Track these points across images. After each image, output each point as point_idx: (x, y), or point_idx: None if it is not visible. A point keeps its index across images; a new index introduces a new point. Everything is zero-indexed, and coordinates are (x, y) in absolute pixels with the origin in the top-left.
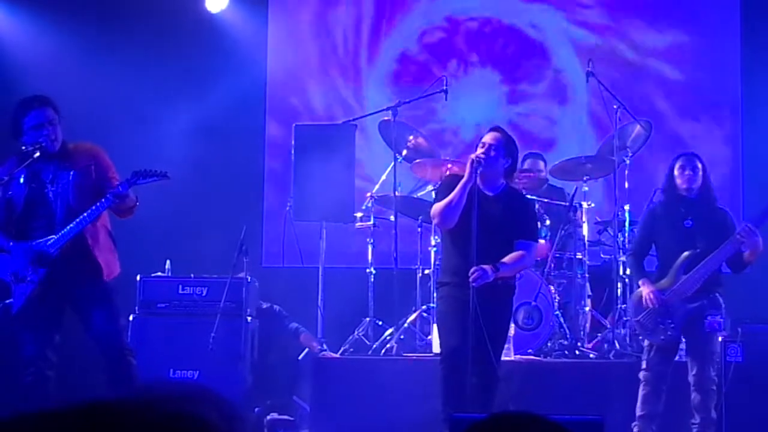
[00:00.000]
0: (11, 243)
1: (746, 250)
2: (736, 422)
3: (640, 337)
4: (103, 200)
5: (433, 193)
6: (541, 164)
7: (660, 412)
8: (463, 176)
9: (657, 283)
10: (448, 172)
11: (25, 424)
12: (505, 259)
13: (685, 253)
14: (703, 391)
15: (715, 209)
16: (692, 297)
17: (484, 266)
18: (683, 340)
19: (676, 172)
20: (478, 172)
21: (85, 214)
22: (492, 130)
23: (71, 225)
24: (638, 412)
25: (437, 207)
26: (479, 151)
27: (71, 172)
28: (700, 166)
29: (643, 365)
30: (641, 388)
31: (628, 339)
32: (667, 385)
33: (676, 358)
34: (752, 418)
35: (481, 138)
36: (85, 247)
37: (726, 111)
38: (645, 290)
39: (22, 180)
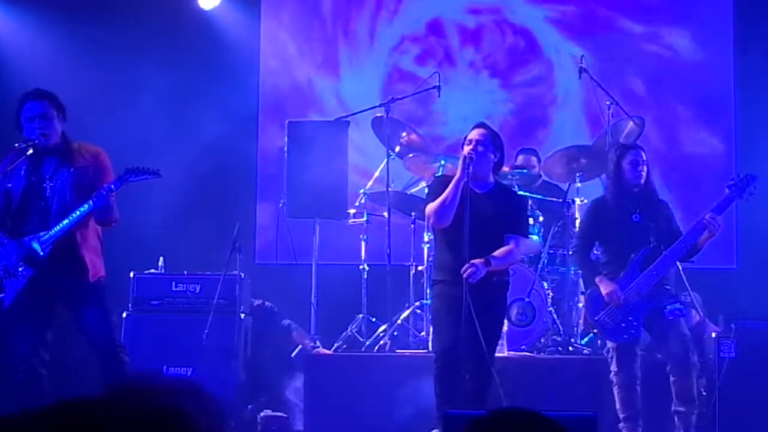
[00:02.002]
0: (5, 238)
1: (707, 233)
2: (730, 416)
3: (596, 337)
4: (93, 198)
5: (426, 190)
6: (534, 160)
7: (641, 408)
8: (453, 176)
9: (612, 280)
10: (440, 170)
11: (10, 424)
12: (496, 253)
13: (634, 253)
14: (687, 377)
15: (658, 202)
16: (650, 294)
17: (475, 261)
18: (649, 338)
19: (626, 167)
20: (470, 168)
21: (76, 213)
22: (477, 126)
23: (63, 222)
24: (621, 414)
25: (431, 207)
26: (467, 147)
27: (71, 170)
28: (645, 158)
29: (613, 368)
30: (616, 390)
31: None
32: (639, 380)
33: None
34: (746, 413)
35: (466, 135)
36: (74, 245)
37: (720, 108)
38: (606, 289)
39: (23, 172)
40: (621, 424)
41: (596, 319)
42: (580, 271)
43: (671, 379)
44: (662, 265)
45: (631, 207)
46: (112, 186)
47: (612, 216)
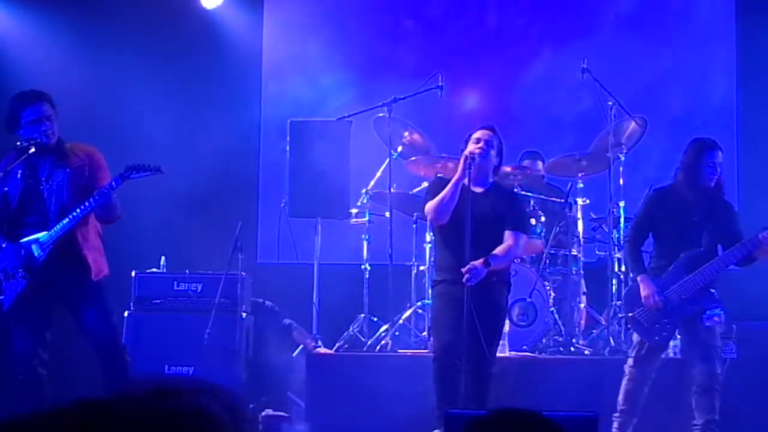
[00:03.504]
0: (3, 242)
1: (764, 249)
2: (730, 417)
3: (631, 330)
4: (95, 196)
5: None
6: (540, 164)
7: (641, 408)
8: (452, 177)
9: (655, 279)
10: (441, 169)
11: (26, 424)
12: (496, 251)
13: (683, 254)
14: (710, 390)
15: (723, 203)
16: (692, 297)
17: (475, 263)
18: (678, 338)
19: (704, 167)
20: (471, 168)
21: (77, 212)
22: (483, 128)
23: (63, 222)
24: (620, 405)
25: (430, 204)
26: (472, 147)
27: (67, 170)
28: (722, 160)
29: (630, 361)
30: (625, 382)
31: (623, 335)
32: (651, 382)
33: (672, 354)
34: (746, 414)
35: (471, 134)
36: (75, 246)
37: (721, 110)
38: (645, 291)
39: (19, 175)
40: (615, 415)
41: (632, 315)
42: (581, 272)
43: (693, 388)
44: (711, 269)
45: (693, 205)
46: (113, 183)
47: (672, 210)
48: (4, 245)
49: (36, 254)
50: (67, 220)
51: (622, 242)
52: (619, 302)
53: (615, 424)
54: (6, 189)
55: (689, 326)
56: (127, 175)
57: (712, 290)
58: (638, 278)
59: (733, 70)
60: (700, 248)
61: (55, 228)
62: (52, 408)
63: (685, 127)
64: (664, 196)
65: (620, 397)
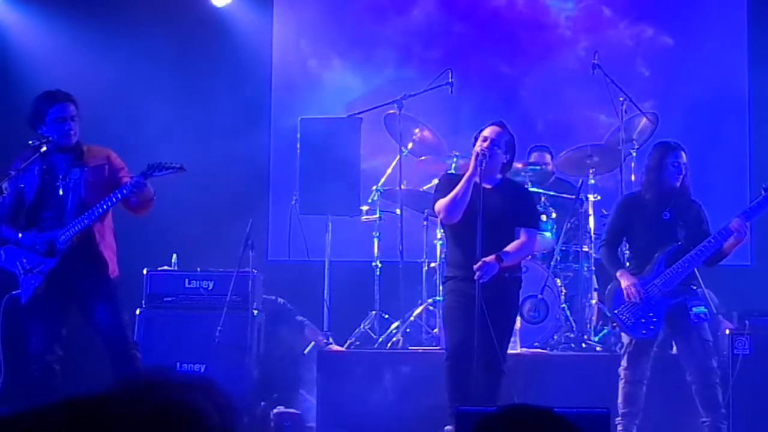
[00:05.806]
0: (20, 234)
1: (734, 239)
2: (744, 414)
3: (618, 329)
4: (117, 191)
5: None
6: (548, 157)
7: (642, 407)
8: (462, 174)
9: (635, 276)
10: (453, 167)
11: (17, 422)
12: (508, 248)
13: (658, 253)
14: (711, 385)
15: (690, 202)
16: (674, 291)
17: (487, 258)
18: (672, 340)
19: (669, 167)
20: (482, 165)
21: (99, 206)
22: (493, 124)
23: (82, 216)
24: (621, 409)
25: (441, 203)
26: (482, 144)
27: (85, 169)
28: (686, 160)
29: (624, 363)
30: (622, 385)
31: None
32: (648, 380)
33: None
34: (759, 410)
35: (481, 131)
36: (93, 242)
37: (733, 107)
38: (625, 282)
39: (36, 172)
40: (618, 419)
41: (616, 312)
42: (593, 268)
43: (693, 387)
44: (687, 263)
45: (663, 204)
46: (138, 179)
47: (643, 212)
48: (20, 235)
49: (58, 241)
50: (86, 214)
51: (598, 246)
52: None
53: (618, 428)
54: (22, 185)
55: (676, 322)
56: (149, 172)
57: (694, 286)
58: (617, 273)
59: (745, 61)
60: (677, 243)
61: (73, 222)
62: (43, 405)
63: (697, 122)
64: (632, 201)
65: (620, 401)
